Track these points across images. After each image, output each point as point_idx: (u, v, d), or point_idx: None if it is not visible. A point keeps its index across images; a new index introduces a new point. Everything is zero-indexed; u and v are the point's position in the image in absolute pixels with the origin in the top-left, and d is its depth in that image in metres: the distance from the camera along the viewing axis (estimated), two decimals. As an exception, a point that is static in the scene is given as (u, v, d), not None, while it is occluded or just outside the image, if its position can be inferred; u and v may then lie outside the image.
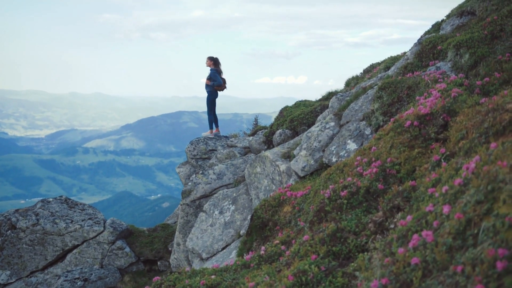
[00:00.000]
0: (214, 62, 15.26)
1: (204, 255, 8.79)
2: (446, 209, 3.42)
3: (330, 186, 5.25)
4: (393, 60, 10.35)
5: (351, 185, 5.10)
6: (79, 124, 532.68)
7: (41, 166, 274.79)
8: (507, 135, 4.07)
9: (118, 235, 14.06)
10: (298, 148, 8.17)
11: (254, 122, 15.86)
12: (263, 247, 5.43)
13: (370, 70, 12.01)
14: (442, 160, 4.70)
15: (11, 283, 14.07)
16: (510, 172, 3.11)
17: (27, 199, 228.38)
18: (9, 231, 14.04)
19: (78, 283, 12.91)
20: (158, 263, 14.20)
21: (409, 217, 3.80)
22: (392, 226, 4.43)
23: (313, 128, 8.29)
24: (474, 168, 3.64)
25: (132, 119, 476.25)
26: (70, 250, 14.06)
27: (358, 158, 5.66)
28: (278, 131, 10.87)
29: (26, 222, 13.93)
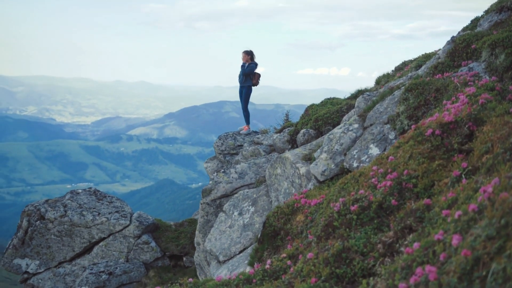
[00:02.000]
0: (251, 57, 14.77)
1: (221, 258, 8.51)
2: (455, 240, 3.02)
3: (340, 199, 4.85)
4: (426, 57, 9.73)
5: (363, 199, 4.70)
6: (123, 111, 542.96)
7: (86, 152, 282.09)
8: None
9: (144, 229, 13.98)
10: (319, 150, 7.76)
11: (285, 118, 15.32)
12: (269, 261, 5.10)
13: (401, 68, 11.37)
14: (463, 176, 4.25)
15: (40, 272, 14.21)
16: (528, 205, 2.68)
17: (73, 184, 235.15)
18: (38, 221, 14.15)
19: (103, 276, 12.90)
20: (184, 258, 14.05)
21: (416, 245, 3.41)
22: (402, 248, 4.03)
23: (335, 130, 7.86)
24: (491, 192, 3.20)
25: (175, 107, 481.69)
26: (97, 243, 14.07)
27: (374, 167, 5.23)
28: (302, 131, 10.43)
29: (54, 213, 14.00)
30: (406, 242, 4.02)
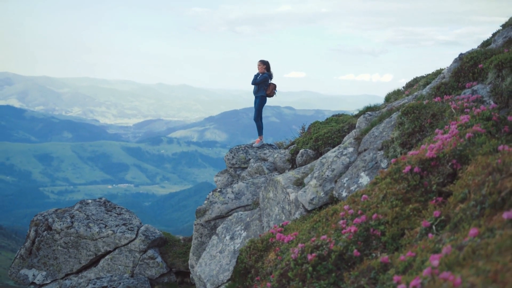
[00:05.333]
0: (267, 67, 14.32)
1: (208, 286, 7.96)
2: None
3: (300, 245, 4.26)
4: (436, 74, 8.94)
5: (324, 246, 4.09)
6: (164, 114, 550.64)
7: (128, 153, 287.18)
8: (504, 211, 2.92)
9: (150, 244, 13.58)
10: (310, 175, 7.15)
11: (301, 130, 14.60)
12: (224, 308, 4.56)
13: (412, 85, 10.54)
14: (434, 227, 3.60)
15: (46, 284, 14.00)
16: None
17: (114, 185, 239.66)
18: (45, 231, 13.96)
19: (105, 292, 12.56)
20: (191, 275, 13.58)
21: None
22: (352, 315, 3.44)
23: (329, 153, 7.22)
24: (436, 266, 2.59)
25: (216, 111, 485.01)
26: (103, 256, 13.76)
27: (346, 207, 4.61)
28: (300, 151, 9.77)
29: (61, 224, 13.78)
30: (356, 308, 3.42)
